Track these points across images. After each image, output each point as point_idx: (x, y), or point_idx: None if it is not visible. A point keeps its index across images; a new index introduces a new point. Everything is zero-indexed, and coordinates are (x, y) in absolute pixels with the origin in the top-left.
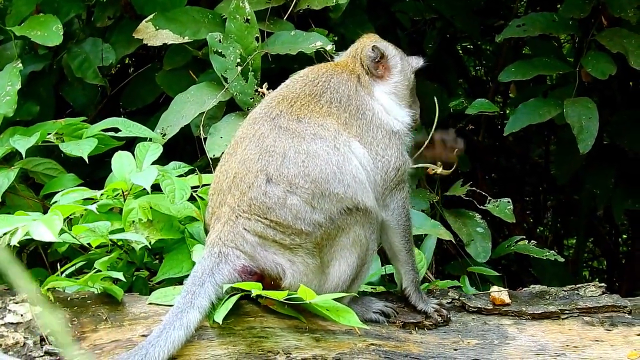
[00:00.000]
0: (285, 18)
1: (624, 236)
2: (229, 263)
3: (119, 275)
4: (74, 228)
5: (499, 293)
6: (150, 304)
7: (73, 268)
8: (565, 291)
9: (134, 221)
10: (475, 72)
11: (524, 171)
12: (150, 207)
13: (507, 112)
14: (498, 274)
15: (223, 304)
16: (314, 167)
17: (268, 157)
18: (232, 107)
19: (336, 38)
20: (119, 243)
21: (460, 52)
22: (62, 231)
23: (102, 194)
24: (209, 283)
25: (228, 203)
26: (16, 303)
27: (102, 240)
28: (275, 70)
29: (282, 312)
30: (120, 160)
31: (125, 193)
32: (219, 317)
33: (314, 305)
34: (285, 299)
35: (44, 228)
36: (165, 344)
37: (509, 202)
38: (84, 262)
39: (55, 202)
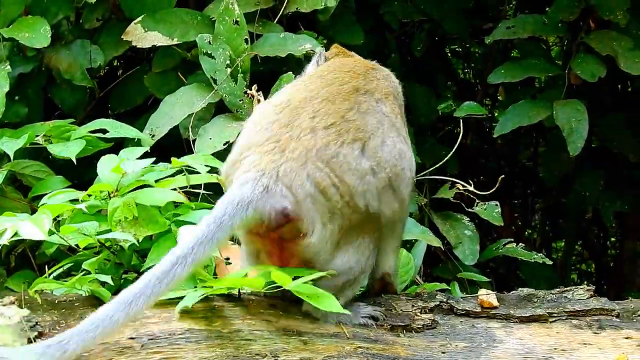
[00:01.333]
0: (274, 20)
1: (613, 239)
2: (270, 200)
3: (107, 279)
4: (61, 229)
5: (487, 296)
6: None
7: (61, 270)
8: (553, 294)
9: (120, 220)
10: (463, 74)
11: (512, 174)
12: (136, 204)
13: (496, 114)
14: (488, 279)
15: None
16: (402, 166)
17: (371, 134)
18: (221, 109)
19: (325, 40)
20: (107, 244)
21: (449, 54)
22: (50, 232)
23: (86, 194)
24: (238, 217)
25: (304, 141)
26: (4, 305)
27: (90, 240)
28: (265, 72)
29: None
30: (106, 164)
31: (111, 194)
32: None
33: (293, 290)
34: (267, 289)
35: (33, 227)
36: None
37: (497, 204)
38: (72, 264)
39: (44, 204)
